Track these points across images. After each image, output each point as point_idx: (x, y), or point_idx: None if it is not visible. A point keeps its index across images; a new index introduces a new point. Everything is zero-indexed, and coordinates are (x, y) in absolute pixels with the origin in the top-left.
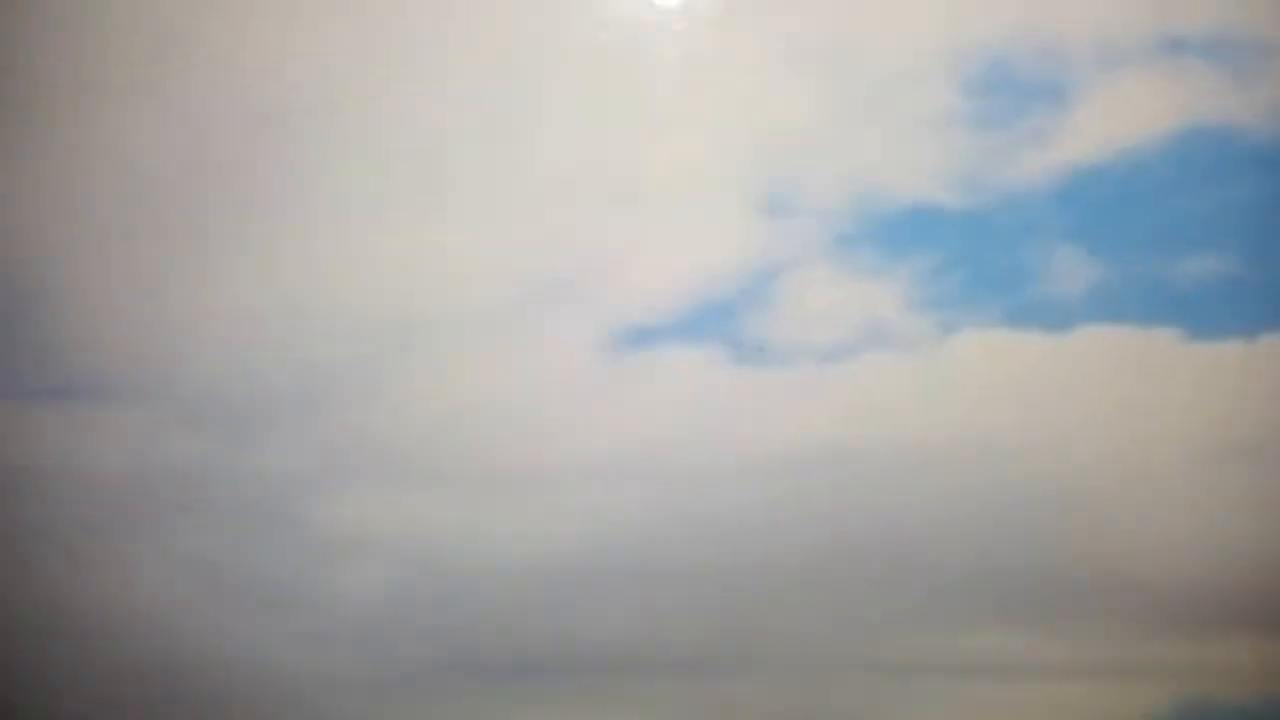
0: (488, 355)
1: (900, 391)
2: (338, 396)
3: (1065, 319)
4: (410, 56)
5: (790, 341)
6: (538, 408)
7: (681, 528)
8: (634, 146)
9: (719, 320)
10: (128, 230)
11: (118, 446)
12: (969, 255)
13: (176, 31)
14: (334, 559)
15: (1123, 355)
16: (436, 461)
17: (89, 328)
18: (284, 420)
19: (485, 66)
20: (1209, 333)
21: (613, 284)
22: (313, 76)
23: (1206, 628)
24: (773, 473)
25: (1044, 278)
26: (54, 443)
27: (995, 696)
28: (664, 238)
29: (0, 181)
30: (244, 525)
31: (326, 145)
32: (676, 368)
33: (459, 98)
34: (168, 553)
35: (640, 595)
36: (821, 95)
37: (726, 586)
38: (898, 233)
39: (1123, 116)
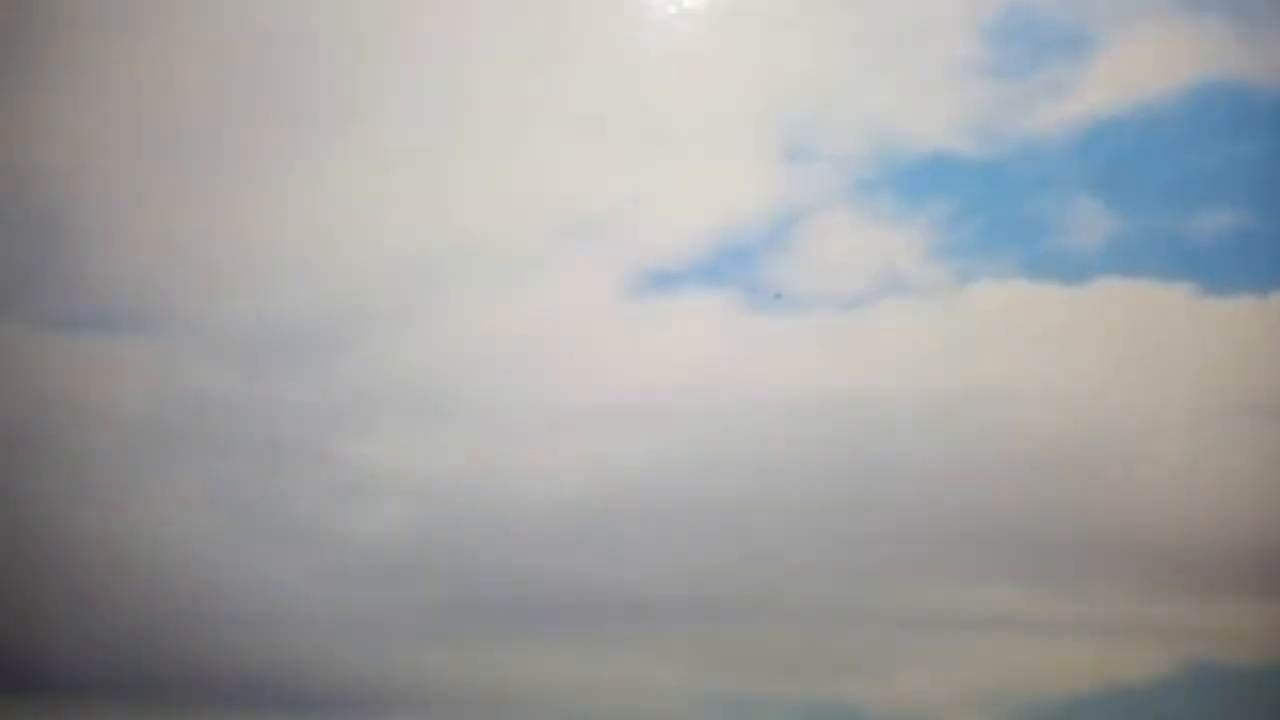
0: (511, 295)
1: (916, 340)
2: (363, 333)
3: (1081, 271)
4: None
5: (809, 288)
6: (556, 350)
7: (695, 472)
8: (658, 93)
9: (738, 265)
10: (159, 165)
11: (145, 378)
12: (986, 204)
13: None
14: (353, 495)
15: (1138, 309)
16: (457, 400)
17: (119, 261)
18: (309, 356)
19: (514, 6)
20: (1223, 288)
21: (633, 228)
22: (344, 10)
23: (1214, 588)
24: (787, 419)
25: (1060, 229)
26: (82, 373)
27: (1000, 651)
28: (686, 182)
29: (34, 118)
30: (266, 459)
31: (356, 84)
32: (695, 312)
33: (488, 38)
34: (190, 483)
35: (653, 538)
36: (842, 42)
37: (737, 531)
38: (917, 180)
39: (1140, 69)
